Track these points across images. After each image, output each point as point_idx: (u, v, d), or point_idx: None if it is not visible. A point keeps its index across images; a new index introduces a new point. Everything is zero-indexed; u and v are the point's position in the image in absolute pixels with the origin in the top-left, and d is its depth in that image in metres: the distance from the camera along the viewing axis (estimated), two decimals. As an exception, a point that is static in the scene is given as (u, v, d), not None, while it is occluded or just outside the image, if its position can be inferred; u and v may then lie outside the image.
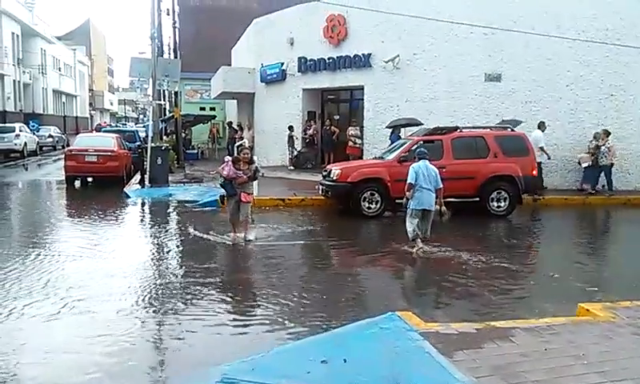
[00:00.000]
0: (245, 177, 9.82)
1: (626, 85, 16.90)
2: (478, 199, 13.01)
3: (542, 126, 16.22)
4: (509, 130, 13.96)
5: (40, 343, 5.40)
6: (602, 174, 16.01)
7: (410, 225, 9.35)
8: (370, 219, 12.51)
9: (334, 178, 13.11)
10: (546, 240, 11.67)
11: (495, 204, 12.97)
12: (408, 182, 9.29)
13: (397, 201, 12.62)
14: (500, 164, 13.04)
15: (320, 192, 13.96)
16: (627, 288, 7.35)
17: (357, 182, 12.72)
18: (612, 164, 15.84)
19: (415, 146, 12.71)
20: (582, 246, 10.99)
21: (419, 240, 9.29)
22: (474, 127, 14.50)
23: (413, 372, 4.44)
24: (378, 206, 12.72)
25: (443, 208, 9.49)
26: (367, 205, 12.70)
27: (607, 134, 15.77)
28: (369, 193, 12.69)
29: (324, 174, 13.94)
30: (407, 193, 9.33)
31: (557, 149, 17.10)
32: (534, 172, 13.72)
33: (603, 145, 15.70)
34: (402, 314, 5.69)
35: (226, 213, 10.74)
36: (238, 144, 23.35)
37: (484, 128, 14.30)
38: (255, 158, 10.88)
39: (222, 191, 10.97)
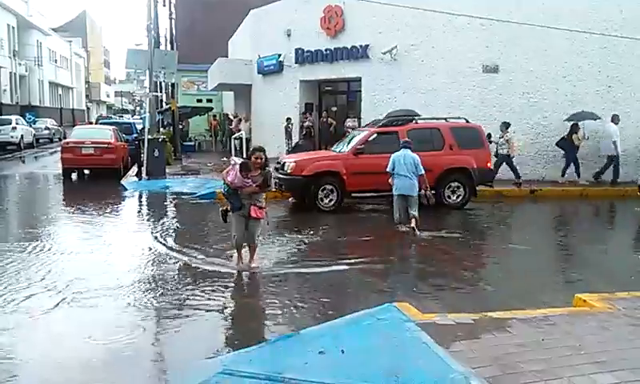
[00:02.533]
0: (254, 186, 7.56)
1: (623, 77, 16.88)
2: (433, 192, 12.59)
3: (615, 119, 16.04)
4: (463, 120, 13.79)
5: (37, 336, 5.40)
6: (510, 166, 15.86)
7: (395, 210, 10.41)
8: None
9: (288, 170, 12.66)
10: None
11: (451, 196, 12.80)
12: (387, 169, 10.33)
13: (353, 194, 12.80)
14: (456, 156, 12.83)
15: (274, 186, 13.61)
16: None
17: (311, 175, 12.37)
18: (509, 155, 15.66)
19: (371, 138, 12.79)
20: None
21: (401, 225, 10.32)
22: (431, 118, 14.14)
23: (410, 363, 4.44)
24: (334, 200, 12.39)
25: (427, 193, 10.44)
26: (322, 199, 12.36)
27: (507, 126, 15.70)
28: (324, 186, 12.33)
29: (277, 166, 13.13)
30: (389, 180, 10.37)
31: (553, 140, 17.10)
32: (489, 164, 13.59)
33: (501, 137, 15.62)
34: (399, 305, 5.71)
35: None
36: (235, 136, 23.50)
37: (439, 119, 13.95)
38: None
39: (220, 203, 9.28)
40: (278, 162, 13.45)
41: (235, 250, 7.93)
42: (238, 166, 7.53)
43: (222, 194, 8.07)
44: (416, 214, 10.15)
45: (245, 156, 17.19)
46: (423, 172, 10.28)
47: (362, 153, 12.50)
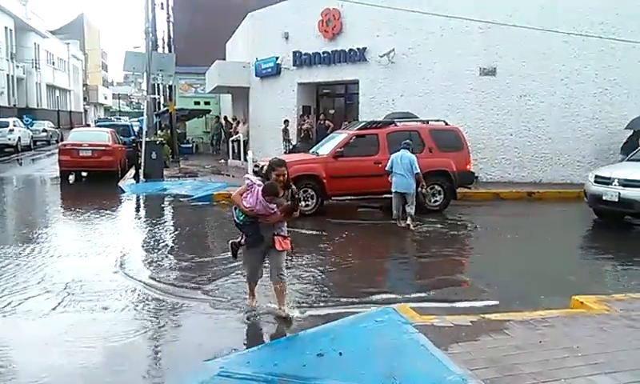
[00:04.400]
0: (279, 213, 5.79)
1: (620, 79, 16.92)
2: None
3: None
4: (442, 122, 13.69)
5: (35, 339, 5.39)
6: None
7: (393, 206, 11.07)
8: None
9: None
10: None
11: (430, 198, 12.58)
12: (386, 168, 10.98)
13: (333, 198, 12.72)
14: (435, 159, 12.58)
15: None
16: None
17: (291, 178, 12.19)
18: None
19: (351, 140, 12.66)
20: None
21: (400, 220, 10.92)
22: (409, 121, 13.94)
23: (408, 365, 4.45)
24: (314, 203, 12.19)
25: (423, 190, 11.31)
26: (302, 202, 11.76)
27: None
28: (304, 190, 11.95)
29: (255, 170, 12.67)
30: (388, 178, 10.99)
31: (551, 143, 17.17)
32: (469, 166, 13.39)
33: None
34: (397, 307, 5.73)
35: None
36: (233, 138, 23.53)
37: (420, 122, 13.82)
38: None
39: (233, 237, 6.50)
40: (256, 166, 13.18)
41: (247, 286, 6.31)
42: (259, 189, 5.71)
43: (236, 223, 5.98)
44: (412, 211, 10.85)
45: (243, 159, 17.10)
46: (419, 170, 10.77)
47: (342, 156, 12.34)
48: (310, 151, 14.04)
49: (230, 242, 6.32)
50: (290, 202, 5.84)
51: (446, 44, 17.64)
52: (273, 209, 5.72)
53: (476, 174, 14.68)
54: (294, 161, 12.99)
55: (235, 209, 5.95)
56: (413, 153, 11.58)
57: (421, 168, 11.70)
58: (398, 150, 11.03)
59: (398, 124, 13.29)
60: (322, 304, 6.39)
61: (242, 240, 6.07)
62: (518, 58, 17.14)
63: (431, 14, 16.55)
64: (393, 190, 11.00)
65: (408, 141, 11.33)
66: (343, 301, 6.48)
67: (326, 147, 13.10)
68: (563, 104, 17.14)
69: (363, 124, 13.54)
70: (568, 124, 17.17)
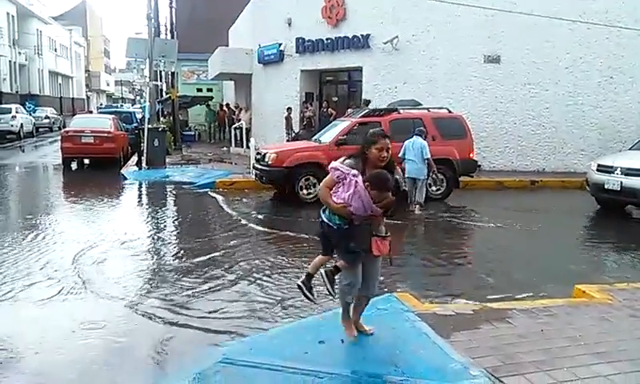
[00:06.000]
0: (380, 210, 4.34)
1: (625, 68, 16.84)
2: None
3: None
4: (445, 110, 13.61)
5: (37, 326, 5.39)
6: None
7: (408, 191, 11.06)
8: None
9: (269, 162, 12.26)
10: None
11: (433, 187, 12.54)
12: (399, 155, 10.87)
13: None
14: (438, 147, 12.29)
15: (254, 177, 13.24)
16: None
17: (293, 166, 12.06)
18: None
19: (353, 128, 12.57)
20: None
21: (412, 204, 11.17)
22: (414, 108, 13.84)
23: (410, 353, 4.45)
24: (315, 192, 11.77)
25: (435, 176, 11.89)
26: (304, 190, 12.07)
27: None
28: (306, 178, 12.01)
29: (257, 157, 12.97)
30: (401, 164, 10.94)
31: (555, 131, 17.12)
32: (472, 155, 13.33)
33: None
34: (399, 296, 5.72)
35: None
36: (235, 126, 23.45)
37: (424, 109, 13.69)
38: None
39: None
40: (258, 153, 13.19)
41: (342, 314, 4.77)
42: (357, 180, 4.22)
43: (328, 232, 4.41)
44: (420, 199, 11.19)
45: (246, 146, 16.93)
46: (429, 156, 11.11)
47: (345, 143, 12.08)
48: (312, 139, 14.00)
49: (323, 270, 4.52)
50: (391, 196, 4.32)
51: (450, 31, 17.54)
52: (374, 209, 4.25)
53: (478, 163, 14.65)
54: (295, 148, 13.08)
55: (325, 211, 4.42)
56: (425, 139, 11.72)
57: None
58: (411, 137, 11.28)
59: (401, 111, 13.21)
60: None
61: (343, 263, 4.45)
62: (523, 45, 17.04)
63: (436, 1, 16.45)
64: (405, 176, 10.98)
65: (422, 127, 11.65)
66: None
67: (328, 135, 13.04)
68: (567, 92, 17.06)
69: (366, 111, 13.44)
70: (572, 112, 17.10)
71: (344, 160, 4.45)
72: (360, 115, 13.23)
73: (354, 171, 4.27)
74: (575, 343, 4.58)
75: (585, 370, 4.09)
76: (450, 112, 13.65)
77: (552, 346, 4.48)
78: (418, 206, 11.16)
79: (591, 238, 10.39)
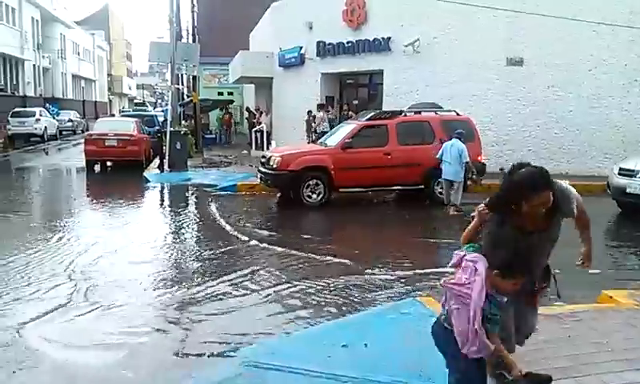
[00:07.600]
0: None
1: (650, 70, 16.57)
2: (422, 187, 12.44)
3: None
4: (453, 113, 13.36)
5: (60, 327, 5.45)
6: None
7: (444, 193, 11.71)
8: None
9: (274, 165, 12.09)
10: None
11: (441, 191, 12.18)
12: (437, 156, 11.43)
13: (341, 190, 12.39)
14: None
15: (259, 181, 13.11)
16: None
17: (299, 170, 11.92)
18: None
19: (359, 131, 12.42)
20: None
21: (448, 206, 11.41)
22: (418, 110, 13.65)
23: (434, 358, 4.41)
24: (321, 195, 11.95)
25: (473, 178, 11.83)
26: (309, 194, 11.93)
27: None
28: (311, 182, 11.91)
29: (262, 161, 12.85)
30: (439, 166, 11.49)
31: (579, 134, 16.88)
32: (480, 157, 12.93)
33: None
34: (422, 299, 5.69)
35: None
36: (256, 129, 23.52)
37: (429, 111, 13.48)
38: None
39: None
40: (264, 157, 13.12)
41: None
42: (482, 266, 3.24)
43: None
44: (456, 201, 11.33)
45: (266, 149, 16.97)
46: (468, 160, 11.22)
47: (351, 147, 12.07)
48: (319, 142, 13.92)
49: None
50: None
51: (471, 33, 17.41)
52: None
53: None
54: (301, 152, 12.88)
55: (491, 302, 3.22)
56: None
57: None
58: (450, 138, 11.45)
59: (407, 114, 13.06)
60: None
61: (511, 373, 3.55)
62: (545, 48, 16.85)
63: (457, 3, 16.36)
64: (443, 178, 11.57)
65: (461, 130, 11.72)
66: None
67: (335, 138, 12.90)
68: (591, 95, 16.82)
69: (372, 114, 13.27)
70: (596, 115, 16.84)
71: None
72: (366, 118, 13.06)
73: (483, 261, 3.28)
74: (602, 349, 4.50)
75: (613, 377, 4.02)
76: (458, 114, 13.43)
77: (579, 352, 4.42)
78: (453, 207, 11.28)
79: (615, 242, 10.20)
